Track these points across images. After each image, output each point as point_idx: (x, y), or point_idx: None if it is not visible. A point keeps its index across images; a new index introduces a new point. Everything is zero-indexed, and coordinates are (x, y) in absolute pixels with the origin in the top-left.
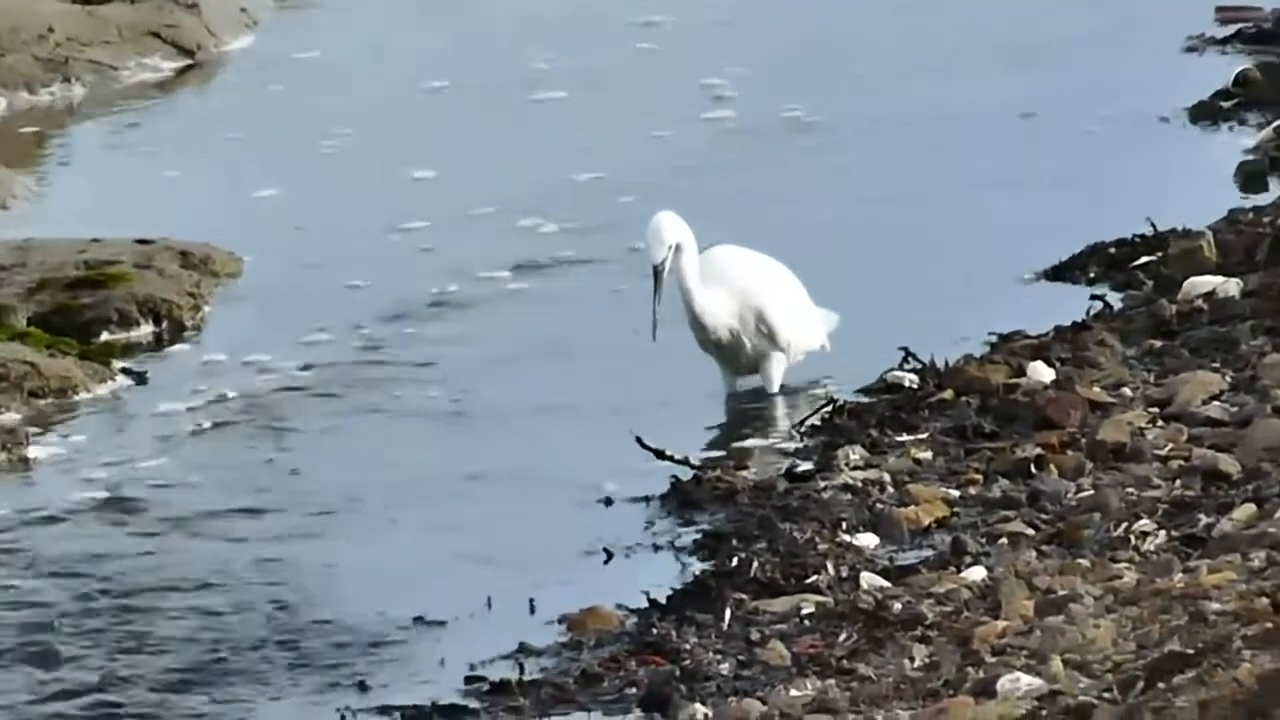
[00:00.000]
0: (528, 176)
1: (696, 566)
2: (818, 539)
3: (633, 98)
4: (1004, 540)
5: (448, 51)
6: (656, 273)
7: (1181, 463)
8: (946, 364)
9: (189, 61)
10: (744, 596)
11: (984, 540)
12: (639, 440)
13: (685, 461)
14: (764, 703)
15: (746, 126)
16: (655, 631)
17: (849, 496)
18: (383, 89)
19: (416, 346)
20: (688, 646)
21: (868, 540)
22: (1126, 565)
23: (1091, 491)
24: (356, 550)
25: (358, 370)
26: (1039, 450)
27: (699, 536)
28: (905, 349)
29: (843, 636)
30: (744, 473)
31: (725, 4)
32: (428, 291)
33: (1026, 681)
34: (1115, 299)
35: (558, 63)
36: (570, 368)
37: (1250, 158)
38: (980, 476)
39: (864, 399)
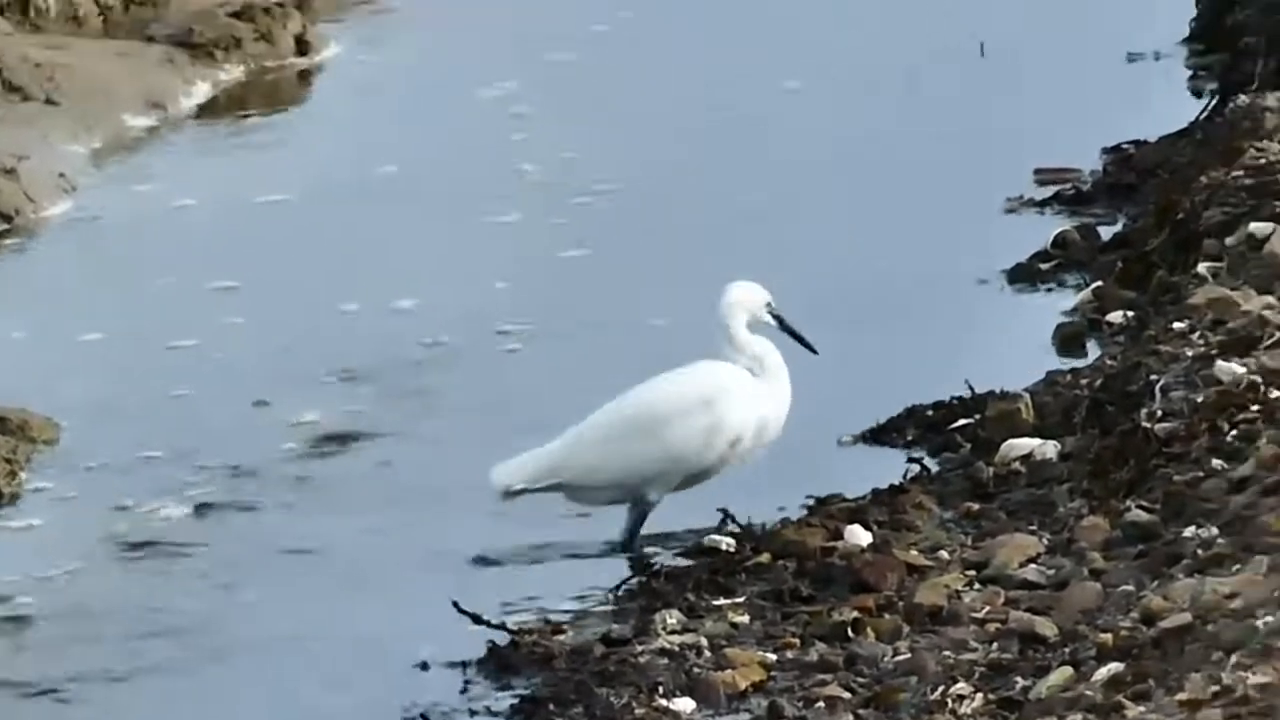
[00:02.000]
0: (352, 339)
1: None
2: (635, 704)
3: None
4: (821, 704)
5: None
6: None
7: (998, 625)
8: (764, 527)
9: (6, 226)
10: None
11: (801, 704)
12: (455, 605)
13: (501, 626)
14: None
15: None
16: None
17: (666, 661)
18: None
19: (224, 515)
20: None
21: (685, 705)
22: None
23: (908, 655)
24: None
25: (168, 538)
26: (856, 613)
27: (516, 702)
28: (723, 511)
29: None
30: (561, 637)
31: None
32: (237, 454)
33: None
34: (933, 462)
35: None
36: (382, 523)
37: (1068, 320)
38: (797, 640)
39: (681, 562)
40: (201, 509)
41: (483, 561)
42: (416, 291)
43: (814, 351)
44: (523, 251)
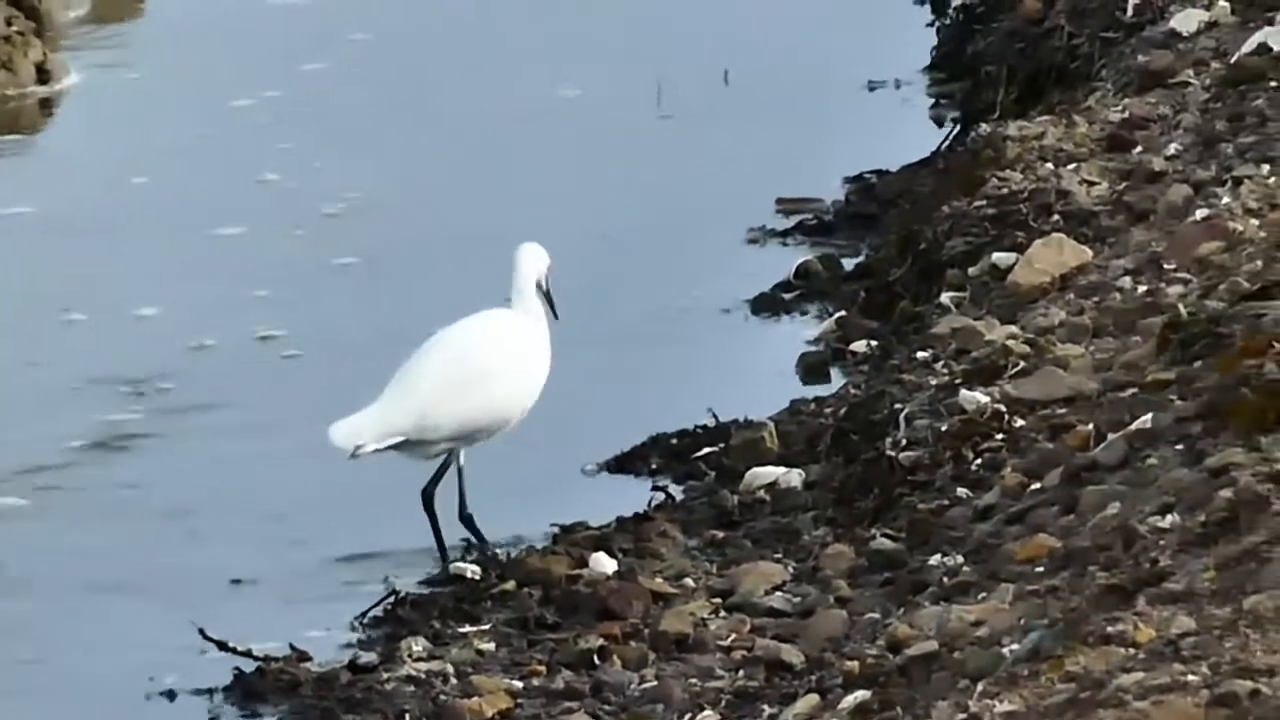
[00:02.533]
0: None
1: None
2: None
3: None
4: None
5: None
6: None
7: (745, 653)
8: (509, 555)
9: None
10: None
11: None
12: (201, 631)
13: (248, 653)
14: None
15: None
16: None
17: (412, 688)
18: None
19: None
20: None
21: None
22: None
23: (655, 682)
24: None
25: None
26: (602, 641)
27: None
28: (467, 539)
29: None
30: (307, 664)
31: None
32: None
33: None
34: (677, 490)
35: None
36: (127, 540)
37: (812, 348)
38: (544, 667)
39: (426, 590)
40: None
41: (231, 585)
42: (162, 300)
43: (555, 316)
44: (275, 259)
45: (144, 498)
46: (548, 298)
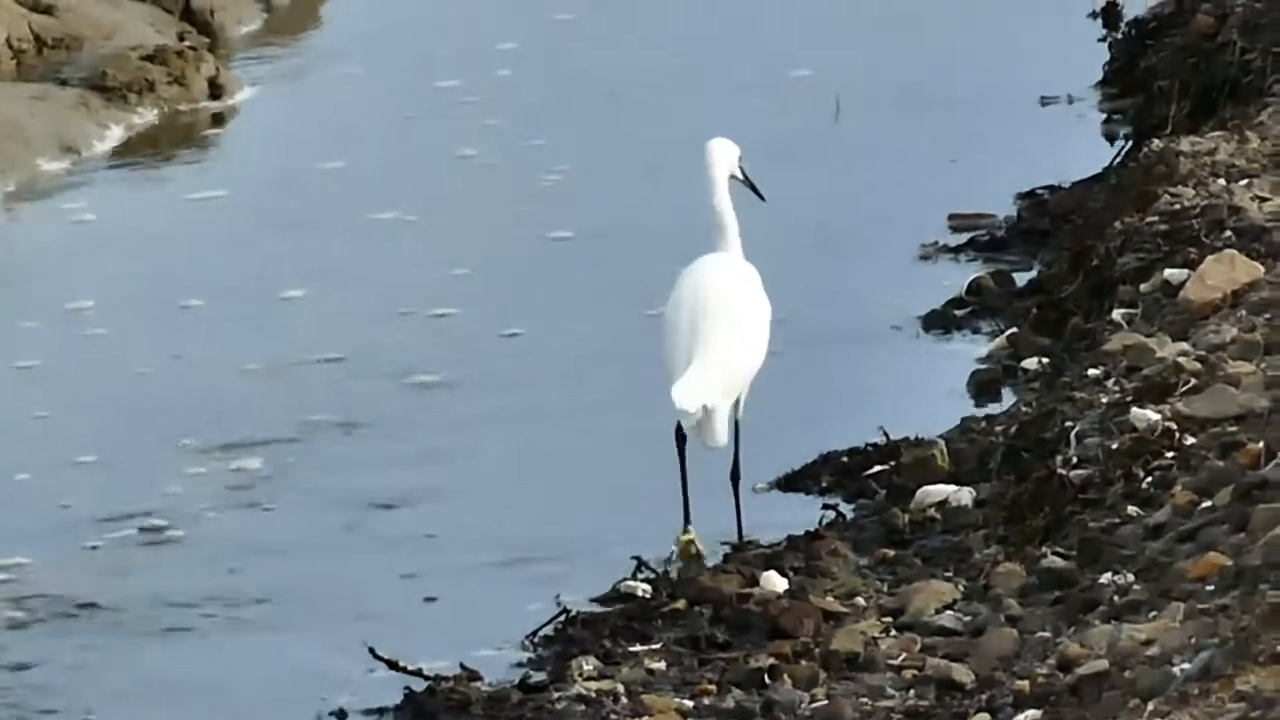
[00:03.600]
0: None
1: None
2: None
3: None
4: None
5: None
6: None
7: (915, 672)
8: (679, 573)
9: None
10: None
11: None
12: (372, 650)
13: (418, 673)
14: None
15: None
16: None
17: (583, 707)
18: None
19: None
20: None
21: None
22: None
23: (825, 701)
24: None
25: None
26: (772, 660)
27: None
28: (637, 558)
29: None
30: (477, 684)
31: None
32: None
33: None
34: (848, 508)
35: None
36: (296, 563)
37: (983, 366)
38: (714, 687)
39: (597, 609)
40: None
41: (399, 605)
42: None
43: (763, 198)
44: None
45: (340, 488)
46: (749, 184)
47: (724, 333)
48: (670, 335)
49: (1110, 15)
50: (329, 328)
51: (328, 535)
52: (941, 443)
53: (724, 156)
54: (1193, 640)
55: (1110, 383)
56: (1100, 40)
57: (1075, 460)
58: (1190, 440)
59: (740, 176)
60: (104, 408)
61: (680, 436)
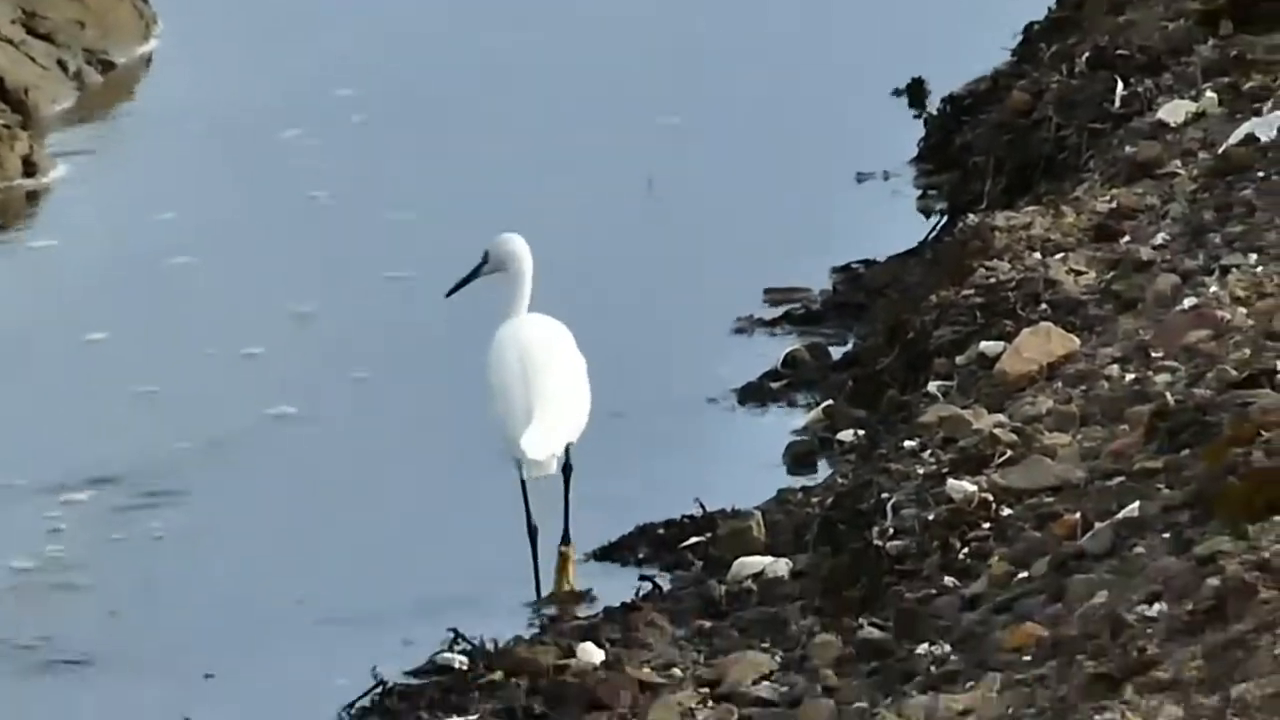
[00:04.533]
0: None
1: None
2: None
3: None
4: None
5: None
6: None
7: None
8: (496, 645)
9: None
10: None
11: None
12: None
13: None
14: None
15: None
16: None
17: None
18: None
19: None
20: None
21: None
22: None
23: None
24: None
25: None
26: None
27: None
28: (454, 630)
29: None
30: None
31: None
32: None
33: None
34: (665, 579)
35: None
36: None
37: (799, 438)
38: None
39: (413, 681)
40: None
41: (209, 677)
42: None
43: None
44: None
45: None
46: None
47: (558, 384)
48: (503, 393)
49: (916, 93)
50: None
51: (129, 593)
52: (758, 514)
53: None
54: (1010, 710)
55: (926, 454)
56: (915, 117)
57: (892, 531)
58: (1007, 511)
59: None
60: None
61: (531, 529)
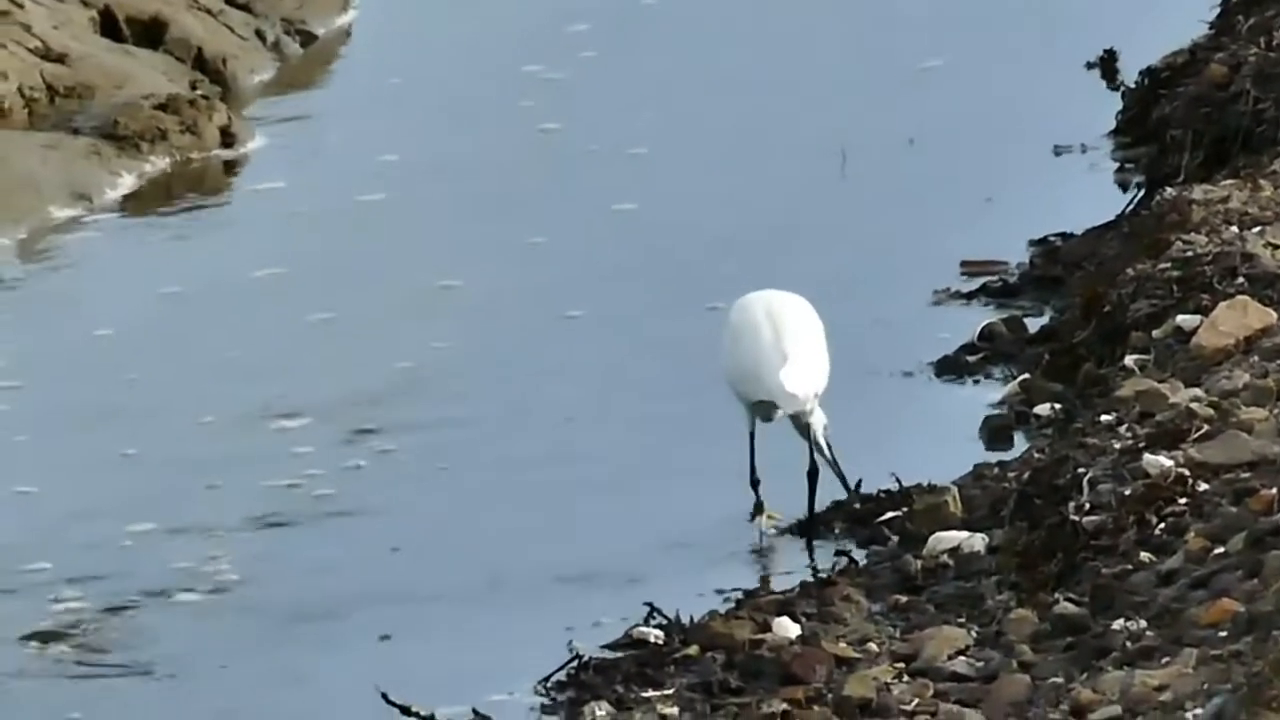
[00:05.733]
0: None
1: None
2: None
3: None
4: None
5: None
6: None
7: (928, 718)
8: (691, 619)
9: None
10: None
11: None
12: (384, 696)
13: (431, 718)
14: None
15: None
16: None
17: None
18: None
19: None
20: None
21: None
22: None
23: None
24: None
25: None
26: (785, 706)
27: None
28: (650, 604)
29: None
30: None
31: None
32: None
33: None
34: (860, 554)
35: None
36: (301, 600)
37: (996, 412)
38: None
39: (609, 654)
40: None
41: (408, 649)
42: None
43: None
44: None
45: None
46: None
47: (805, 333)
48: (752, 335)
49: (1108, 66)
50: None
51: (324, 568)
52: (954, 489)
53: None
54: (1205, 686)
55: (1123, 429)
56: (1109, 88)
57: (1088, 506)
58: (1203, 486)
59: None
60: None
61: (754, 480)
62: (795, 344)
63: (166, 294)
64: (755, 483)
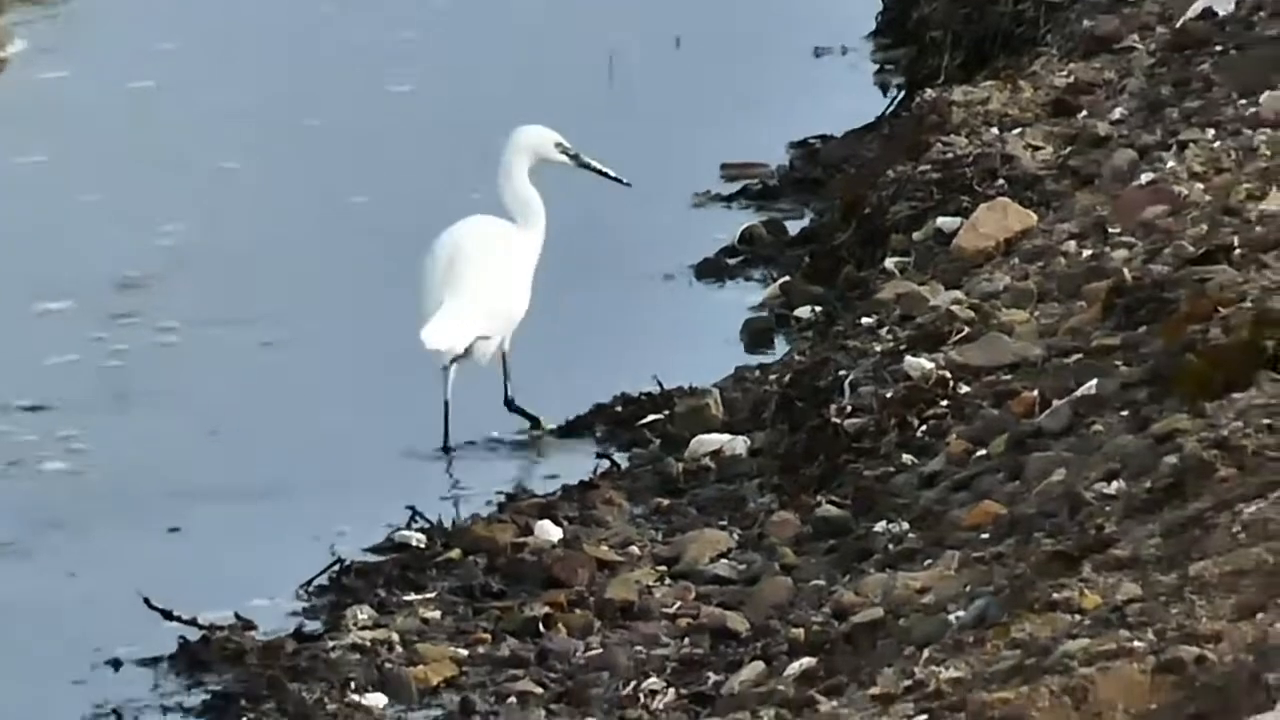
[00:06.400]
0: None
1: None
2: (327, 699)
3: None
4: (513, 699)
5: None
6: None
7: (690, 621)
8: (454, 523)
9: None
10: None
11: (493, 699)
12: (146, 600)
13: (193, 622)
14: None
15: None
16: None
17: (358, 656)
18: None
19: None
20: None
21: (377, 700)
22: None
23: (600, 650)
24: None
25: None
26: (547, 609)
27: (208, 698)
28: (412, 508)
29: None
30: (252, 633)
31: None
32: None
33: None
34: (622, 457)
35: None
36: (70, 508)
37: (756, 315)
38: (489, 635)
39: (371, 558)
40: None
41: (171, 560)
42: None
43: (625, 184)
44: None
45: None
46: (592, 168)
47: (478, 277)
48: (424, 279)
49: None
50: None
51: (90, 485)
52: (715, 392)
53: (530, 144)
54: (967, 588)
55: (884, 331)
56: None
57: (849, 409)
58: (965, 389)
59: (568, 161)
60: None
61: (509, 403)
62: (456, 291)
63: None
64: (445, 405)
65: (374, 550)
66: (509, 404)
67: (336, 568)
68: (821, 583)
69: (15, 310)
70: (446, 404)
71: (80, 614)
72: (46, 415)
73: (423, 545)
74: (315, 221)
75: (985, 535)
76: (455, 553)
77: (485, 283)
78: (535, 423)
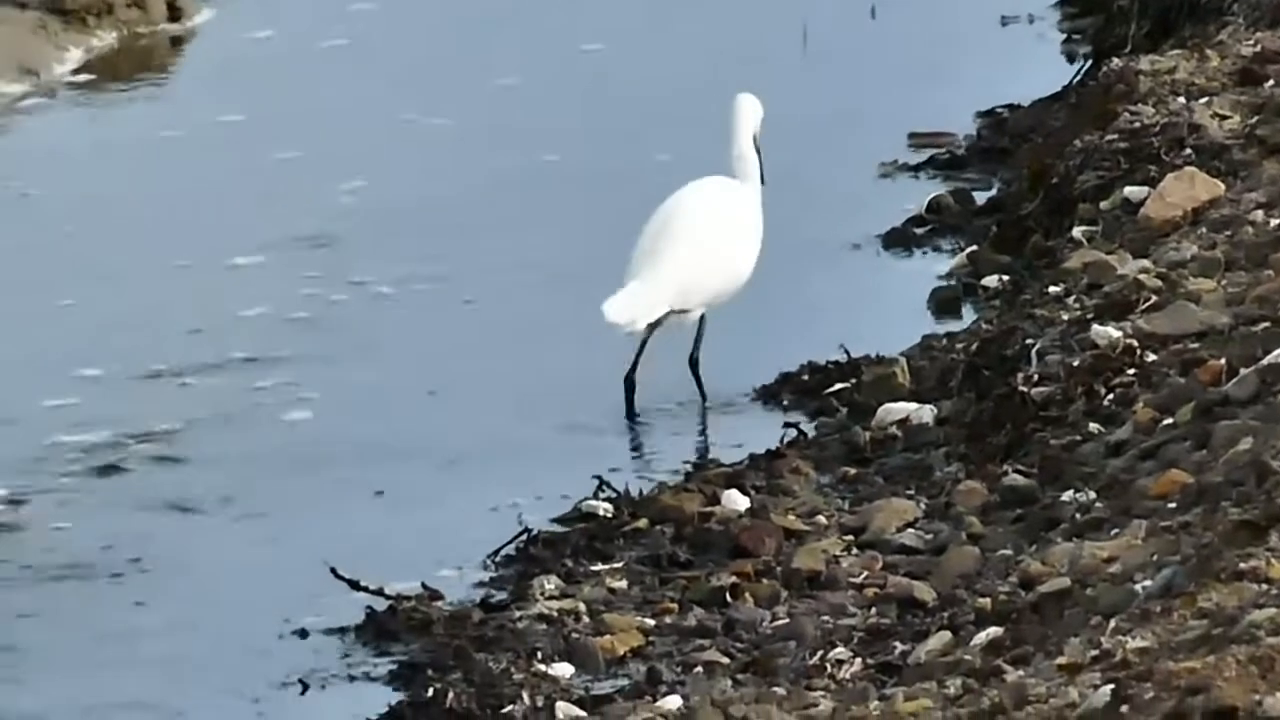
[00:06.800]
0: None
1: (392, 697)
2: (513, 669)
3: None
4: (699, 669)
5: None
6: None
7: (876, 590)
8: (641, 493)
9: None
10: None
11: (679, 669)
12: (333, 571)
13: (380, 592)
14: None
15: None
16: None
17: (544, 626)
18: None
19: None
20: None
21: (563, 670)
22: (822, 693)
23: (787, 620)
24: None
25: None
26: (734, 579)
27: (394, 667)
28: (599, 478)
29: None
30: (439, 603)
31: None
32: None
33: None
34: (809, 426)
35: None
36: (255, 485)
37: (943, 284)
38: (675, 605)
39: (558, 528)
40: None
41: (360, 527)
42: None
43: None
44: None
45: (258, 436)
46: (758, 154)
47: (681, 250)
48: (636, 246)
49: None
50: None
51: (273, 448)
52: (903, 360)
53: (748, 117)
54: (1154, 558)
55: (1071, 300)
56: None
57: (1036, 377)
58: (1151, 357)
59: (756, 144)
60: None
61: (694, 363)
62: (652, 267)
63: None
64: (629, 383)
65: (561, 520)
66: (692, 362)
67: (524, 538)
68: (1008, 552)
69: (220, 263)
70: (632, 378)
71: (273, 580)
72: (266, 367)
73: (610, 515)
74: (510, 179)
75: (1172, 504)
76: (642, 522)
77: (687, 257)
78: (703, 395)
